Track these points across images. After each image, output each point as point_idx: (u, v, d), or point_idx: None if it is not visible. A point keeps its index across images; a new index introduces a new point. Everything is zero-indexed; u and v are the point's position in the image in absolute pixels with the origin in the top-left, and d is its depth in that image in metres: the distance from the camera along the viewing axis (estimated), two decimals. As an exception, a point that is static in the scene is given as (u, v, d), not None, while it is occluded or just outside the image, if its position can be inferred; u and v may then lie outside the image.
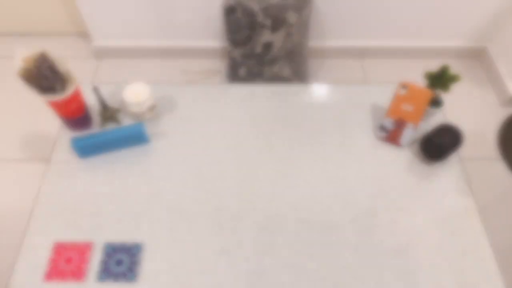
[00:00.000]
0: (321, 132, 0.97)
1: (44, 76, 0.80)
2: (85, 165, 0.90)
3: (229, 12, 1.69)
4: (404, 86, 0.88)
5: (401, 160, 0.92)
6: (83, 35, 2.12)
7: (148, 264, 0.77)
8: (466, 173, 0.91)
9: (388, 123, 0.93)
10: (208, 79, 1.96)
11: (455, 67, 2.04)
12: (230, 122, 0.99)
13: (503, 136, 1.77)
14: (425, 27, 1.88)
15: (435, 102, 0.96)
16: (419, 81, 0.89)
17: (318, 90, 1.06)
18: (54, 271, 0.74)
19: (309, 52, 1.92)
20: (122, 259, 0.76)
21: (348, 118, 1.00)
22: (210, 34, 1.92)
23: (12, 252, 1.42)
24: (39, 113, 1.77)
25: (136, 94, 0.91)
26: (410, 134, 0.92)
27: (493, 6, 1.79)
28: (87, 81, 1.94)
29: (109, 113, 0.96)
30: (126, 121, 0.98)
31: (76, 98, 0.87)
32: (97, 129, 0.96)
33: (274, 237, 0.81)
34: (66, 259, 0.76)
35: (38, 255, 0.77)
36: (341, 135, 0.97)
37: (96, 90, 0.91)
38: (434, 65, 2.04)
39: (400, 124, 0.91)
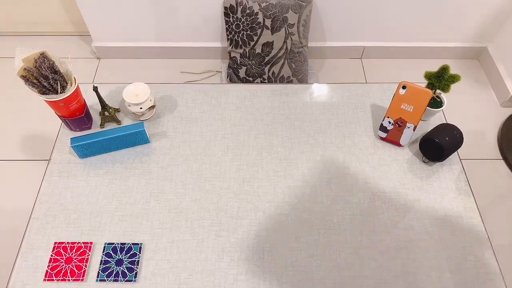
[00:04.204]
0: (321, 132, 0.97)
1: (44, 76, 0.81)
2: (85, 165, 0.90)
3: (229, 12, 1.69)
4: (404, 86, 0.88)
5: (401, 160, 0.92)
6: (83, 35, 2.12)
7: (148, 264, 0.77)
8: (466, 173, 0.91)
9: (388, 123, 0.93)
10: (208, 79, 1.96)
11: (455, 67, 2.04)
12: (230, 122, 0.99)
13: (503, 136, 1.77)
14: (425, 27, 1.88)
15: (435, 102, 0.96)
16: (419, 81, 0.89)
17: (318, 90, 1.06)
18: (54, 271, 0.74)
19: (309, 52, 1.92)
20: (122, 259, 0.76)
21: (348, 118, 1.00)
22: (210, 34, 1.92)
23: (12, 252, 1.42)
24: (39, 113, 1.77)
25: (136, 94, 0.92)
26: (410, 134, 0.92)
27: (493, 6, 1.79)
28: (87, 81, 1.94)
29: (109, 113, 0.97)
30: (126, 121, 0.98)
31: (76, 98, 0.87)
32: (97, 129, 0.96)
33: (274, 237, 0.81)
34: (66, 259, 0.76)
35: (38, 255, 0.77)
36: (341, 135, 0.97)
37: (96, 90, 0.91)
38: (434, 65, 2.04)
39: (400, 124, 0.91)
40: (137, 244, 0.78)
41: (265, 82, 1.80)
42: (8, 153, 1.68)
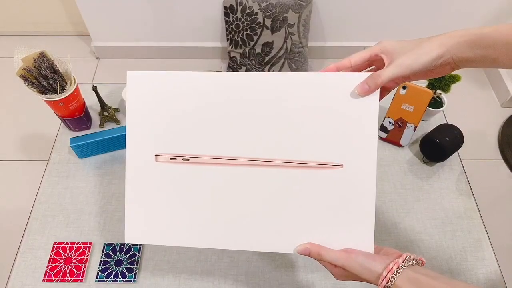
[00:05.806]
0: (321, 132, 0.97)
1: (44, 76, 0.80)
2: (85, 165, 0.90)
3: (229, 11, 1.69)
4: (404, 86, 0.88)
5: (402, 160, 0.92)
6: (83, 35, 2.12)
7: (148, 265, 0.77)
8: (467, 173, 0.90)
9: (389, 123, 0.92)
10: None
11: (455, 67, 2.04)
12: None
13: (504, 137, 1.77)
14: (425, 27, 1.88)
15: (436, 103, 0.96)
16: (420, 81, 0.89)
17: (318, 90, 1.05)
18: (53, 272, 0.74)
19: (309, 52, 1.92)
20: (122, 259, 0.76)
21: (348, 118, 0.99)
22: (210, 34, 1.92)
23: (11, 253, 1.41)
24: (39, 113, 1.77)
25: (135, 94, 0.91)
26: (411, 134, 0.91)
27: (492, 6, 1.79)
28: (87, 81, 1.94)
29: (108, 113, 0.96)
30: (126, 121, 0.98)
31: (76, 98, 0.87)
32: (97, 129, 0.96)
33: (274, 238, 0.81)
34: (65, 260, 0.76)
35: (38, 255, 0.77)
36: (341, 135, 0.96)
37: (95, 90, 0.91)
38: (434, 65, 2.04)
39: (400, 124, 0.91)
40: (137, 244, 0.78)
41: (265, 82, 1.80)
42: (7, 153, 1.68)
